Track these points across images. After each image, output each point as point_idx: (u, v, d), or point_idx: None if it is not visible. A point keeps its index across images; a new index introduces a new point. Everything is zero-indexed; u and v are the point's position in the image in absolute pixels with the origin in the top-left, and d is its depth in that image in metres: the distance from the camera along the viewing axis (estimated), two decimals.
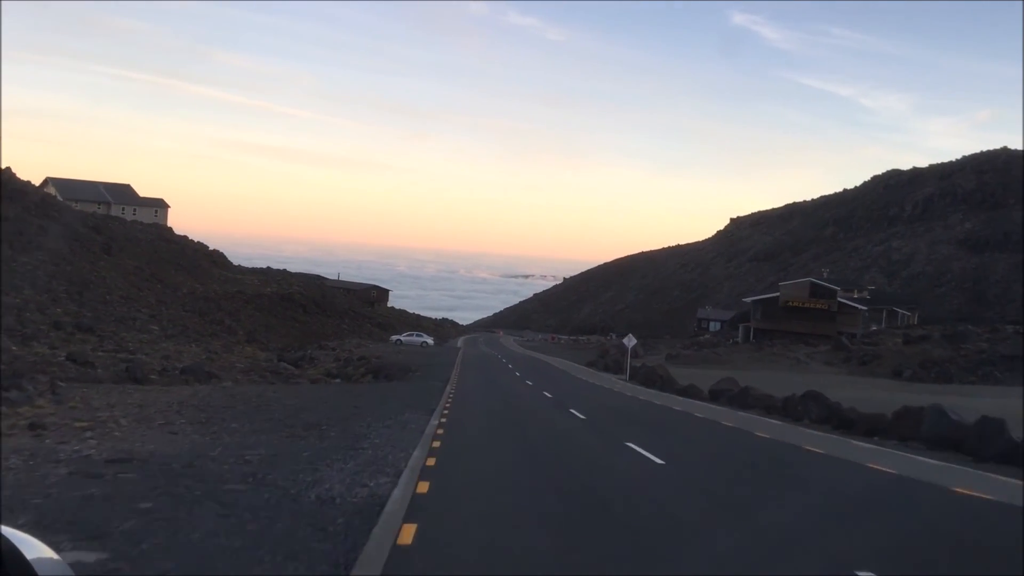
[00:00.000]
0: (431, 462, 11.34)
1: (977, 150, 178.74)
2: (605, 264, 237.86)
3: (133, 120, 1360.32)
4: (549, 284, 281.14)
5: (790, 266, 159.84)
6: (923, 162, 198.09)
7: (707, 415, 24.96)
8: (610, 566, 6.38)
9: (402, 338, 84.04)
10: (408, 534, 6.88)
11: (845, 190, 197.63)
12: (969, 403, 33.65)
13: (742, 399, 28.61)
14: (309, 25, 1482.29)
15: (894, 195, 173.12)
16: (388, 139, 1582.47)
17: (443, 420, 18.22)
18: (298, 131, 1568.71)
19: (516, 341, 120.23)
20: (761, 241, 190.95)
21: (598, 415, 23.05)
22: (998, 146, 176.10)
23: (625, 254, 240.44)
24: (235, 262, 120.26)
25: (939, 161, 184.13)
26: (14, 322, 42.14)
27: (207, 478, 9.08)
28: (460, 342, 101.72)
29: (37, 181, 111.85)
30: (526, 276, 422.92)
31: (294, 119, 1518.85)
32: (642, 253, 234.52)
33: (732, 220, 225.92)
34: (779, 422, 23.37)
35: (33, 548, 1.99)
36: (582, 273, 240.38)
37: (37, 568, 1.93)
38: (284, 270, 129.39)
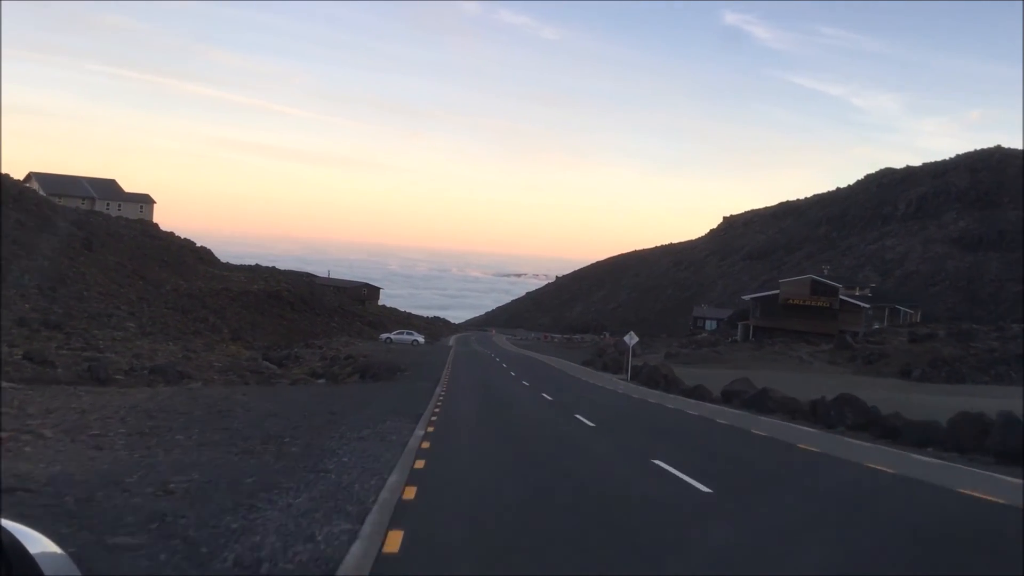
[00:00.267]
0: (410, 494, 8.70)
1: (967, 150, 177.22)
2: (597, 263, 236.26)
3: (127, 118, 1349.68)
4: (541, 283, 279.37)
5: (783, 265, 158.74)
6: (915, 161, 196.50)
7: (730, 421, 22.30)
8: None
9: (392, 336, 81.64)
10: None
11: (838, 189, 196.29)
12: (992, 404, 31.37)
13: (760, 402, 25.99)
14: (303, 24, 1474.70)
15: (887, 194, 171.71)
16: (382, 138, 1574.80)
17: (430, 430, 15.59)
18: (291, 130, 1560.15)
19: (509, 340, 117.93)
20: (754, 240, 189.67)
21: (609, 422, 20.46)
22: (991, 145, 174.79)
23: (618, 253, 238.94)
24: (227, 260, 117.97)
25: (931, 160, 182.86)
26: None
27: (100, 520, 6.54)
28: (452, 340, 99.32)
29: (21, 176, 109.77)
30: (518, 275, 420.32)
31: (288, 117, 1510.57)
32: (635, 252, 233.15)
33: (725, 219, 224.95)
34: (812, 430, 20.77)
35: (36, 542, 1.98)
36: (574, 272, 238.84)
37: (40, 562, 1.91)
38: (273, 267, 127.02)
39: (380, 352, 57.38)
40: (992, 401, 31.57)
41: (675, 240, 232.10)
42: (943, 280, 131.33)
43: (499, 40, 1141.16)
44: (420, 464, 11.06)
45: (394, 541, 6.49)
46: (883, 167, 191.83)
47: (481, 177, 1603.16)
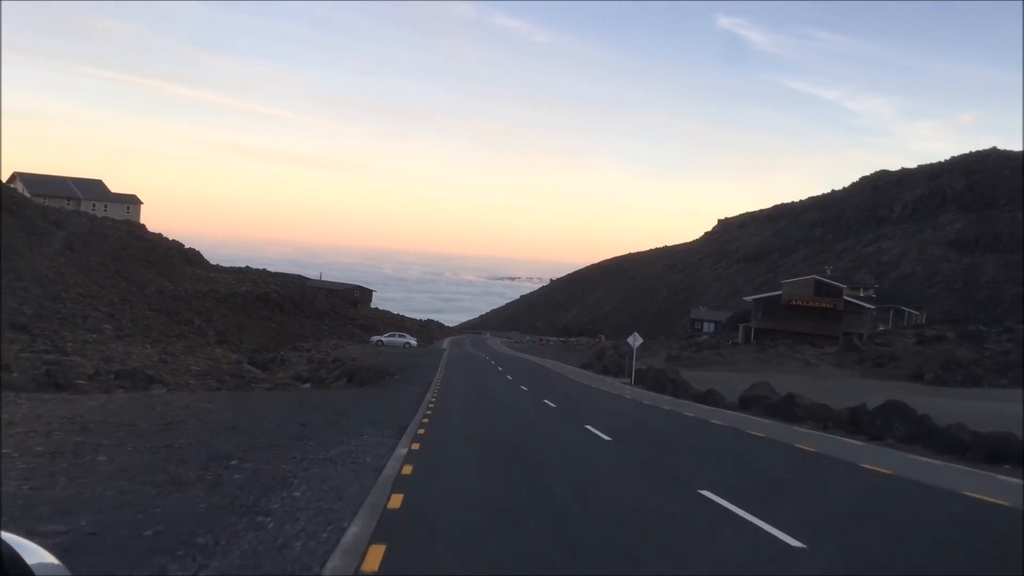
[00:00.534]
0: (373, 561, 5.89)
1: (962, 152, 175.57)
2: (592, 266, 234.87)
3: (119, 123, 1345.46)
4: (535, 286, 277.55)
5: (778, 267, 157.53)
6: (908, 165, 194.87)
7: (764, 432, 19.48)
8: None
9: (383, 339, 79.11)
10: None
11: (833, 191, 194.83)
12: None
13: (787, 410, 23.30)
14: (296, 27, 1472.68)
15: (883, 196, 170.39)
16: (375, 141, 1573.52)
17: (414, 448, 12.78)
18: (284, 133, 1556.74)
19: (503, 343, 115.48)
20: (749, 242, 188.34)
21: (626, 435, 17.76)
22: (986, 147, 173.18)
23: (612, 255, 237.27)
24: (218, 263, 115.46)
25: (923, 163, 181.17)
26: None
27: None
28: (446, 343, 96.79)
29: (6, 177, 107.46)
30: (512, 278, 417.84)
31: (281, 121, 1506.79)
32: (629, 255, 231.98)
33: (720, 221, 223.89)
34: (864, 444, 17.99)
35: (34, 553, 1.96)
36: (569, 275, 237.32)
37: (38, 573, 1.90)
38: (263, 269, 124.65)
39: (370, 355, 54.83)
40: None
41: (669, 243, 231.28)
42: (939, 282, 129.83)
43: (492, 43, 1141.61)
44: (396, 502, 8.26)
45: None
46: (878, 169, 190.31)
47: (475, 180, 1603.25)
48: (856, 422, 19.38)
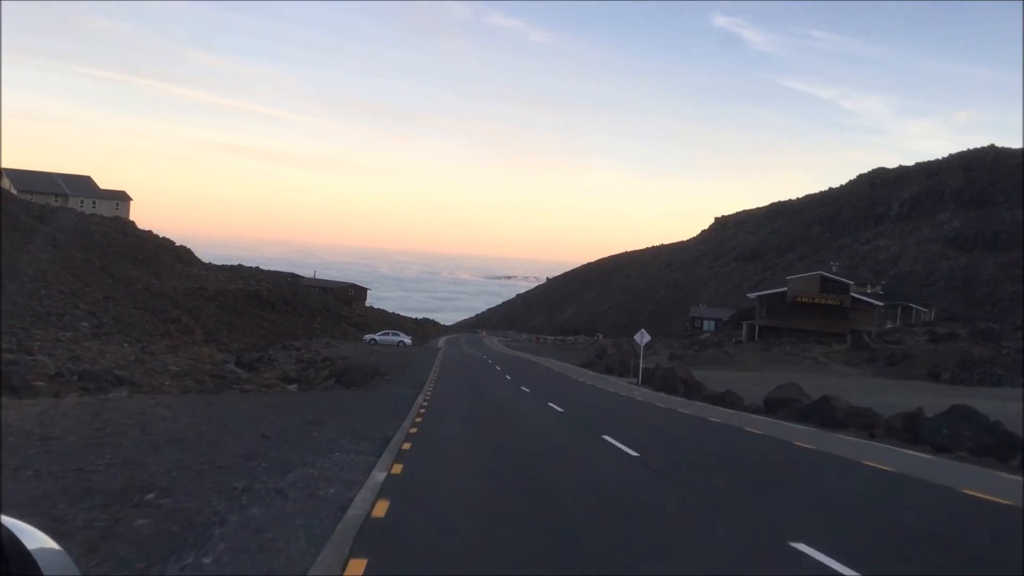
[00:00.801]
0: None
1: (958, 150, 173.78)
2: (588, 264, 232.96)
3: (115, 122, 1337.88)
4: (532, 285, 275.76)
5: (776, 266, 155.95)
6: (904, 163, 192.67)
7: (815, 444, 16.19)
8: None
9: (376, 337, 76.59)
10: None
11: (831, 189, 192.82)
12: None
13: (824, 414, 20.65)
14: (292, 26, 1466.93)
15: (880, 193, 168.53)
16: (372, 141, 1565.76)
17: (396, 471, 10.07)
18: (281, 133, 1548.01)
19: (500, 341, 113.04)
20: (746, 240, 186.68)
21: (653, 448, 14.85)
22: (984, 144, 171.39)
23: (608, 254, 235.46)
24: (213, 261, 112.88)
25: (919, 161, 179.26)
26: None
27: None
28: (441, 342, 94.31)
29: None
30: (508, 277, 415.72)
31: (278, 120, 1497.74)
32: (626, 253, 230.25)
33: (717, 219, 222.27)
34: (938, 458, 15.04)
35: (34, 538, 1.93)
36: (565, 274, 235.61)
37: (38, 557, 1.87)
38: (256, 267, 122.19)
39: (362, 354, 52.32)
40: None
41: (666, 241, 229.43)
42: (938, 280, 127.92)
43: (489, 43, 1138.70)
44: (357, 570, 5.53)
45: None
46: (875, 167, 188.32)
47: (471, 180, 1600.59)
48: (913, 430, 16.78)
